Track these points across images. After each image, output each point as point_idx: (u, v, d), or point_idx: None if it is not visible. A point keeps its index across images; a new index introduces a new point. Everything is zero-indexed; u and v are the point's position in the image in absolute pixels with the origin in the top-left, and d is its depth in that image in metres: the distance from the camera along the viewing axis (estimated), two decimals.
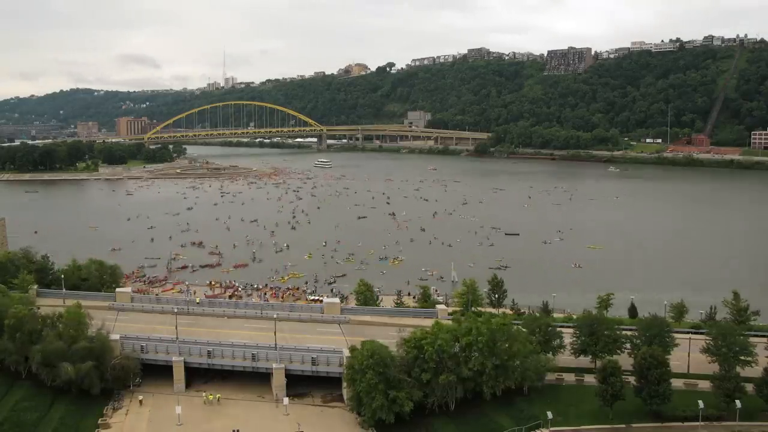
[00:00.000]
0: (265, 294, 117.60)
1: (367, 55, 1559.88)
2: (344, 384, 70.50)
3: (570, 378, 73.77)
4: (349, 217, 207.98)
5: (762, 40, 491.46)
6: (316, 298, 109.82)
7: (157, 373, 75.29)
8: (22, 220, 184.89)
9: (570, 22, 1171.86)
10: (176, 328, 78.17)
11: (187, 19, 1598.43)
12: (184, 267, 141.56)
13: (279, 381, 72.31)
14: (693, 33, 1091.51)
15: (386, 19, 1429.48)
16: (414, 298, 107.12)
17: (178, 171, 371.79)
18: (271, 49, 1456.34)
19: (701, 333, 79.31)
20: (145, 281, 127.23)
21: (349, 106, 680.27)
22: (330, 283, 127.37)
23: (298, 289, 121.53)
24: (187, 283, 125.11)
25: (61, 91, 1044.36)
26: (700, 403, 63.42)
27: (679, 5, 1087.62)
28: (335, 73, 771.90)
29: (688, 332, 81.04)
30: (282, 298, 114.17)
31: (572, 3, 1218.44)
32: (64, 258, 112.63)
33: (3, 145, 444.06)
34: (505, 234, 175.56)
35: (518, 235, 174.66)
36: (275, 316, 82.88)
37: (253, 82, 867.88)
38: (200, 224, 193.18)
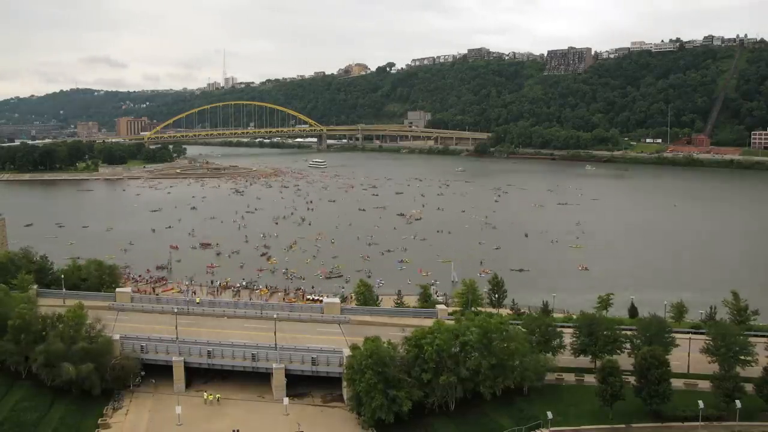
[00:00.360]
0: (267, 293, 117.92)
1: (346, 56, 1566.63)
2: (344, 384, 70.49)
3: (570, 378, 73.77)
4: (358, 217, 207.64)
5: (762, 40, 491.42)
6: (316, 297, 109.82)
7: (157, 373, 75.31)
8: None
9: (549, 23, 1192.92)
10: (176, 328, 78.20)
11: (169, 21, 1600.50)
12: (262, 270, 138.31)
13: (279, 381, 72.30)
14: (674, 33, 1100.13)
15: (365, 20, 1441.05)
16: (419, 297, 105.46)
17: (178, 171, 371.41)
18: (251, 51, 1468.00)
19: (701, 333, 79.37)
20: (147, 281, 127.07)
21: (349, 106, 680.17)
22: (329, 278, 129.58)
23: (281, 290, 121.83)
24: (187, 282, 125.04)
25: (61, 91, 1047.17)
26: (700, 403, 63.42)
27: (661, 5, 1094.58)
28: (335, 73, 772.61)
29: (688, 332, 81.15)
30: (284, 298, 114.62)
31: (548, 4, 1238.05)
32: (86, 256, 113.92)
33: (3, 145, 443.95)
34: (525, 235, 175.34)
35: (527, 236, 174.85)
36: (275, 316, 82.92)
37: (253, 82, 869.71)
38: (219, 223, 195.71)
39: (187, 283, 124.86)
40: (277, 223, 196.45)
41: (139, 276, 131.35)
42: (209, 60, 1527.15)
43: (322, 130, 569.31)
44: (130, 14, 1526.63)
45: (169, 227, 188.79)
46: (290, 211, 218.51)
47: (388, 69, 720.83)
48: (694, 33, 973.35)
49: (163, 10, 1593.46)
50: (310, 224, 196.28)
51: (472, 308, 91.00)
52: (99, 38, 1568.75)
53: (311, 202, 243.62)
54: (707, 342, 73.07)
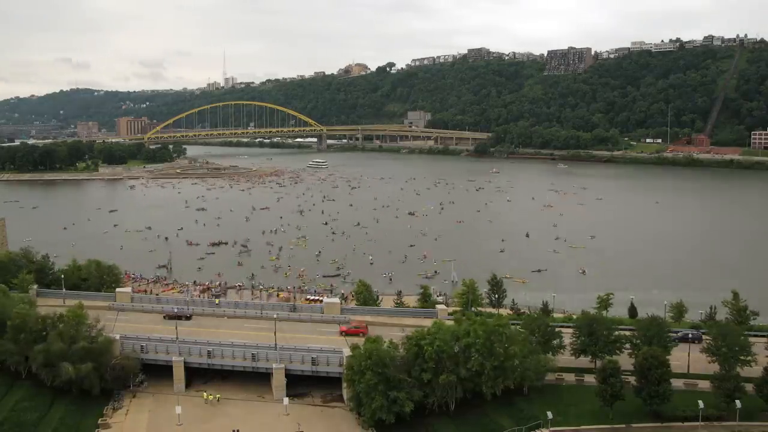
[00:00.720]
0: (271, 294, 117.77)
1: (334, 57, 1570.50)
2: (344, 384, 70.49)
3: (570, 378, 73.76)
4: (370, 217, 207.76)
5: (762, 40, 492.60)
6: (316, 298, 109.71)
7: (157, 373, 75.32)
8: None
9: (526, 24, 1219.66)
10: (176, 328, 78.21)
11: (153, 21, 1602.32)
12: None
13: (279, 381, 72.27)
14: (654, 34, 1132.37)
15: (342, 22, 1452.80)
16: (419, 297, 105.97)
17: (178, 171, 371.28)
18: (228, 52, 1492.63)
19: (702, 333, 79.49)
20: (148, 281, 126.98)
21: (349, 106, 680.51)
22: (338, 272, 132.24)
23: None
24: (187, 282, 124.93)
25: (61, 91, 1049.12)
26: (700, 403, 63.37)
27: (640, 7, 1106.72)
28: (335, 73, 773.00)
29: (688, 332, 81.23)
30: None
31: (525, 5, 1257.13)
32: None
33: (3, 145, 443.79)
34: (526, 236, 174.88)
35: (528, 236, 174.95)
36: (275, 316, 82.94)
37: (252, 82, 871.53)
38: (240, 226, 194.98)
39: (187, 283, 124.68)
40: (281, 217, 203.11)
41: (140, 276, 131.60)
42: (192, 59, 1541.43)
43: (322, 130, 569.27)
44: (106, 14, 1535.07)
45: (181, 229, 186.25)
46: (299, 209, 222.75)
47: (388, 69, 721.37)
48: (675, 33, 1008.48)
49: (145, 10, 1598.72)
50: (304, 228, 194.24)
51: (472, 308, 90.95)
52: (66, 38, 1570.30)
53: (324, 197, 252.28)
54: (707, 342, 73.10)
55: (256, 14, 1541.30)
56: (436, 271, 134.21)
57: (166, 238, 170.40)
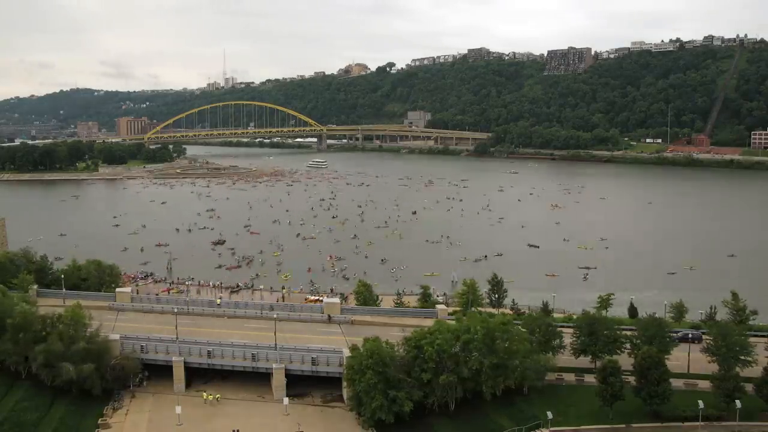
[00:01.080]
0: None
1: (320, 57, 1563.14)
2: (344, 384, 70.48)
3: (570, 378, 73.79)
4: (373, 215, 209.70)
5: (762, 40, 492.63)
6: (317, 298, 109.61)
7: (157, 373, 75.32)
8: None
9: (507, 26, 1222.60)
10: (176, 328, 78.19)
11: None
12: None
13: (279, 381, 72.25)
14: (638, 35, 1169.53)
15: (327, 23, 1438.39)
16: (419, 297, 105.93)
17: (178, 171, 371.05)
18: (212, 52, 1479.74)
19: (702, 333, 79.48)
20: (151, 281, 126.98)
21: (349, 106, 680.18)
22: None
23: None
24: (187, 282, 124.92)
25: (61, 91, 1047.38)
26: (700, 403, 63.37)
27: (621, 8, 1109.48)
28: (335, 73, 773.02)
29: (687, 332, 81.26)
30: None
31: (502, 5, 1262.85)
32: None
33: (3, 145, 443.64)
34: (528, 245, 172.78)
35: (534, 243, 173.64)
36: (275, 316, 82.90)
37: (253, 82, 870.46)
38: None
39: (187, 282, 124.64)
40: (287, 211, 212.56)
41: (142, 276, 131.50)
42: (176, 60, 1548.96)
43: (322, 130, 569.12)
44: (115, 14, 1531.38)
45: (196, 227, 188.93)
46: (322, 206, 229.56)
47: (388, 69, 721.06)
48: (660, 34, 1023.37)
49: (133, 10, 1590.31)
50: (311, 225, 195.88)
51: (473, 308, 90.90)
52: (46, 40, 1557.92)
53: (331, 193, 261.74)
54: (707, 342, 73.11)
55: (235, 16, 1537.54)
56: (485, 256, 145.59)
57: (178, 230, 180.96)
